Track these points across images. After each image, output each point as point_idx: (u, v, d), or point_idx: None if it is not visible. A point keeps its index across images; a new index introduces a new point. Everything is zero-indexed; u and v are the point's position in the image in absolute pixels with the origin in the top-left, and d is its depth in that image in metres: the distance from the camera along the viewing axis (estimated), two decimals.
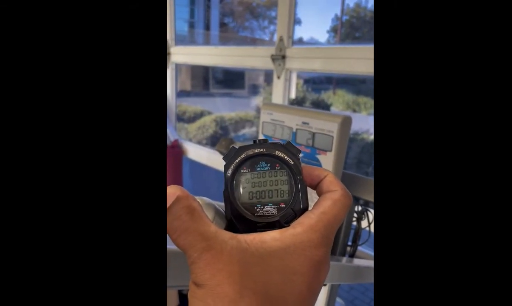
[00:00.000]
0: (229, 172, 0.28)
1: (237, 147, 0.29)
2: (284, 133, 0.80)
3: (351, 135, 0.76)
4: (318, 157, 0.75)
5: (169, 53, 1.98)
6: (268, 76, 1.68)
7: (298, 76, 1.53)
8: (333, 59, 1.26)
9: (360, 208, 0.86)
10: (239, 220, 0.27)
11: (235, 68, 2.44)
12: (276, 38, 1.40)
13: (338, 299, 1.05)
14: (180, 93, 2.37)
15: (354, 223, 0.87)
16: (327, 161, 0.74)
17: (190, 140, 2.54)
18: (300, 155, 0.29)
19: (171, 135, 1.99)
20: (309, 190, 0.28)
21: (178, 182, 1.99)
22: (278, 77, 1.43)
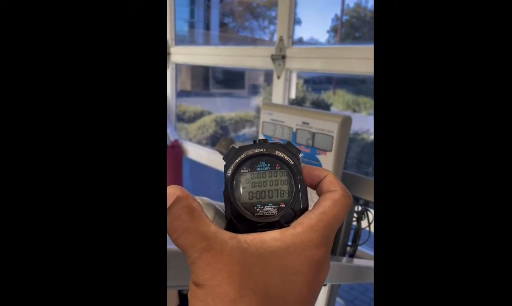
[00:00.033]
0: (229, 172, 0.28)
1: (237, 147, 0.29)
2: (284, 133, 0.80)
3: (351, 135, 0.76)
4: (318, 156, 0.75)
5: (169, 53, 1.98)
6: (268, 76, 1.68)
7: (298, 76, 1.53)
8: (333, 59, 1.26)
9: (360, 208, 0.86)
10: (239, 220, 0.27)
11: (235, 68, 2.44)
12: (276, 38, 1.40)
13: (338, 299, 1.05)
14: (180, 93, 2.37)
15: (354, 223, 0.87)
16: (327, 161, 0.74)
17: (190, 140, 2.54)
18: (300, 155, 0.29)
19: (171, 135, 1.99)
20: (309, 190, 0.28)
21: (178, 182, 1.99)
22: (278, 77, 1.43)
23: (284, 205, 0.27)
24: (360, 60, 1.16)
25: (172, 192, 0.24)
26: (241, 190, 0.28)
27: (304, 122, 0.76)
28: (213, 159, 1.81)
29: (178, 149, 1.97)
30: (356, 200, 0.85)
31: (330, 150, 0.73)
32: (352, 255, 0.88)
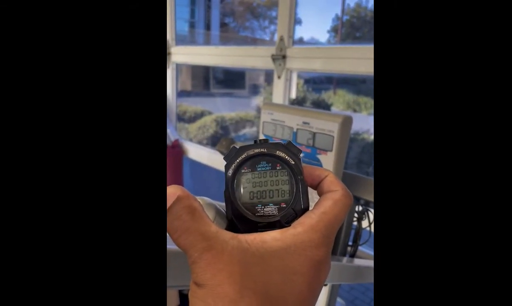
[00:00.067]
0: (230, 172, 0.28)
1: (237, 147, 0.29)
2: (285, 133, 0.80)
3: (352, 135, 0.76)
4: (319, 156, 0.75)
5: (169, 53, 1.98)
6: (269, 76, 1.68)
7: (299, 76, 1.53)
8: (333, 59, 1.26)
9: (360, 208, 0.85)
10: (240, 220, 0.27)
11: (235, 68, 2.44)
12: (276, 38, 1.40)
13: (338, 299, 1.05)
14: (181, 93, 2.37)
15: (355, 223, 0.87)
16: (328, 160, 0.74)
17: (191, 140, 2.54)
18: (301, 155, 0.29)
19: (172, 135, 1.99)
20: (309, 190, 0.28)
21: (179, 181, 1.99)
22: (279, 77, 1.43)
23: (284, 205, 0.27)
24: (361, 60, 1.16)
25: (173, 191, 0.24)
26: (242, 190, 0.28)
27: (304, 122, 0.76)
28: (213, 159, 1.81)
29: (178, 149, 1.97)
30: (357, 200, 0.85)
31: (331, 150, 0.73)
32: (353, 255, 0.88)
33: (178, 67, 2.08)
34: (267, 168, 0.28)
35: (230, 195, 0.28)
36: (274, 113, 0.82)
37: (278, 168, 0.28)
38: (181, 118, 2.64)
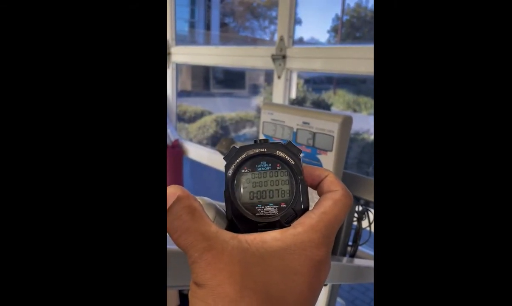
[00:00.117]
0: (230, 172, 0.28)
1: (237, 147, 0.29)
2: (285, 133, 0.80)
3: (352, 135, 0.76)
4: (319, 156, 0.75)
5: (169, 53, 1.98)
6: (269, 76, 1.68)
7: (299, 76, 1.53)
8: (333, 59, 1.26)
9: (360, 208, 0.85)
10: (240, 220, 0.27)
11: (235, 68, 2.44)
12: (276, 38, 1.40)
13: (338, 299, 1.05)
14: (181, 93, 2.37)
15: (355, 223, 0.87)
16: (328, 160, 0.74)
17: (191, 140, 2.54)
18: (301, 155, 0.29)
19: (172, 135, 1.99)
20: (309, 190, 0.28)
21: (179, 181, 1.99)
22: (279, 77, 1.43)
23: (285, 205, 0.27)
24: (361, 60, 1.16)
25: (173, 191, 0.24)
26: (242, 190, 0.28)
27: (304, 122, 0.76)
28: (213, 159, 1.81)
29: (178, 149, 1.97)
30: (357, 200, 0.85)
31: (331, 150, 0.73)
32: (353, 255, 0.88)
33: (178, 67, 2.08)
34: (267, 168, 0.28)
35: (230, 195, 0.28)
36: (274, 113, 0.82)
37: (278, 168, 0.28)
38: (181, 118, 2.64)
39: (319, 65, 1.32)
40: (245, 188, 0.28)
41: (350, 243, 0.88)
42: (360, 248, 0.89)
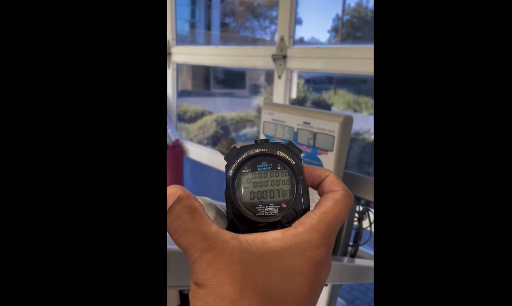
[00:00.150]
0: (231, 172, 0.28)
1: (238, 147, 0.29)
2: (285, 133, 0.80)
3: (352, 135, 0.76)
4: (319, 156, 0.75)
5: (170, 53, 1.98)
6: (269, 76, 1.68)
7: (299, 76, 1.53)
8: (334, 59, 1.26)
9: (361, 208, 0.85)
10: (240, 220, 0.27)
11: (236, 68, 2.44)
12: (277, 38, 1.40)
13: (339, 299, 1.05)
14: (181, 93, 2.37)
15: (356, 223, 0.86)
16: (328, 160, 0.73)
17: (191, 140, 2.54)
18: (302, 155, 0.28)
19: (172, 135, 1.99)
20: (310, 190, 0.28)
21: (179, 181, 1.99)
22: (279, 77, 1.43)
23: (285, 205, 0.27)
24: (361, 60, 1.16)
25: (173, 191, 0.24)
26: (242, 190, 0.28)
27: (305, 122, 0.76)
28: (214, 159, 1.81)
29: (179, 149, 1.97)
30: (357, 200, 0.85)
31: (331, 150, 0.73)
32: (353, 255, 0.88)
33: (179, 67, 2.08)
34: (268, 168, 0.28)
35: (230, 195, 0.28)
36: (274, 113, 0.82)
37: (278, 168, 0.28)
38: (181, 118, 2.64)
39: (320, 65, 1.32)
40: (245, 188, 0.28)
41: (350, 243, 0.88)
42: (360, 248, 0.89)
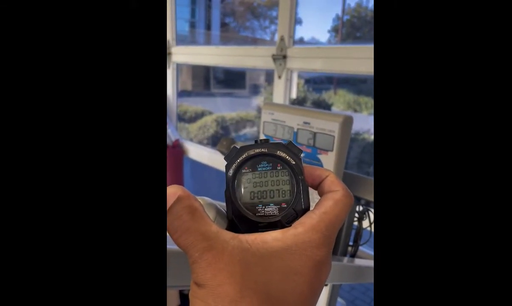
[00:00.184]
0: (231, 172, 0.28)
1: (238, 147, 0.29)
2: (285, 133, 0.80)
3: (352, 135, 0.76)
4: (319, 156, 0.75)
5: (170, 53, 1.98)
6: (269, 76, 1.68)
7: (299, 76, 1.53)
8: (334, 59, 1.26)
9: (361, 208, 0.85)
10: (240, 220, 0.27)
11: (236, 68, 2.44)
12: (277, 38, 1.40)
13: (339, 299, 1.05)
14: (181, 93, 2.37)
15: (356, 223, 0.86)
16: (328, 160, 0.73)
17: (191, 140, 2.54)
18: (302, 155, 0.28)
19: (172, 135, 1.99)
20: (310, 190, 0.28)
21: (179, 181, 1.99)
22: (279, 77, 1.43)
23: (285, 205, 0.27)
24: (361, 60, 1.16)
25: (173, 191, 0.24)
26: (242, 190, 0.28)
27: (305, 122, 0.76)
28: (214, 159, 1.81)
29: (179, 149, 1.97)
30: (357, 200, 0.85)
31: (331, 150, 0.73)
32: (353, 255, 0.88)
33: (179, 67, 2.08)
34: (268, 168, 0.28)
35: (230, 195, 0.28)
36: (274, 113, 0.82)
37: (278, 168, 0.28)
38: (181, 118, 2.64)
39: (320, 65, 1.32)
40: (245, 188, 0.28)
41: (350, 243, 0.88)
42: (360, 248, 0.89)
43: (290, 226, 0.26)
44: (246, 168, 0.28)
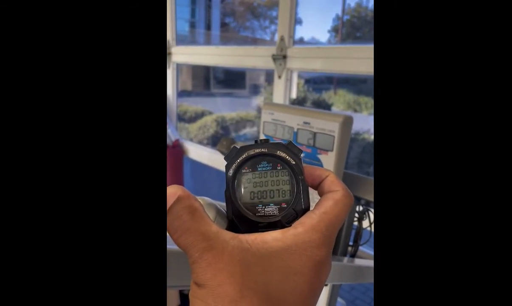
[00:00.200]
0: (231, 172, 0.28)
1: (238, 147, 0.29)
2: (285, 133, 0.80)
3: (352, 135, 0.76)
4: (319, 156, 0.75)
5: (170, 53, 1.98)
6: (269, 76, 1.68)
7: (299, 76, 1.53)
8: (334, 59, 1.26)
9: (361, 208, 0.85)
10: (240, 220, 0.27)
11: (236, 68, 2.44)
12: (277, 38, 1.40)
13: (339, 299, 1.05)
14: (181, 93, 2.37)
15: (356, 223, 0.86)
16: (328, 160, 0.73)
17: (191, 140, 2.54)
18: (302, 155, 0.28)
19: (172, 135, 1.99)
20: (310, 190, 0.28)
21: (179, 181, 1.99)
22: (279, 77, 1.43)
23: (285, 205, 0.27)
24: (361, 60, 1.16)
25: (173, 191, 0.24)
26: (242, 190, 0.28)
27: (305, 122, 0.76)
28: (214, 159, 1.81)
29: (179, 149, 1.97)
30: (357, 200, 0.85)
31: (331, 150, 0.73)
32: (353, 255, 0.88)
33: (179, 67, 2.08)
34: (268, 168, 0.28)
35: (230, 195, 0.28)
36: (274, 113, 0.82)
37: (278, 168, 0.28)
38: (181, 118, 2.64)
39: (320, 65, 1.32)
40: (245, 188, 0.28)
41: (350, 243, 0.88)
42: (360, 248, 0.89)
43: (290, 226, 0.26)
44: (246, 168, 0.28)
